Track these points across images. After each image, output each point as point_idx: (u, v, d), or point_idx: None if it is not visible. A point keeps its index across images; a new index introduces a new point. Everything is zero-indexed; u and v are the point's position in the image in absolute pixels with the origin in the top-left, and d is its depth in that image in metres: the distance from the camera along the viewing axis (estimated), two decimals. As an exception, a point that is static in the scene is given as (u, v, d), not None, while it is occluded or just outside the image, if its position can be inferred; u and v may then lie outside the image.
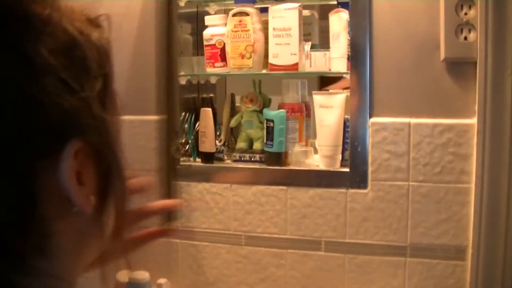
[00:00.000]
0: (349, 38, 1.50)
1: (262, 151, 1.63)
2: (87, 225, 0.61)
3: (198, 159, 1.71)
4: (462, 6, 1.38)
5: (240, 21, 1.57)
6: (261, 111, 1.64)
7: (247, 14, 1.56)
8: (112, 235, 0.66)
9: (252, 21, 1.56)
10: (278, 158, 1.60)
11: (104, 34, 0.65)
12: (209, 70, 1.67)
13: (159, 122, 1.67)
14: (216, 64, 1.64)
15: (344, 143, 1.55)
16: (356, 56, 1.48)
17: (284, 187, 1.58)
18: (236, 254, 1.65)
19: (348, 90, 1.51)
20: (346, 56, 1.51)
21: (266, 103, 1.67)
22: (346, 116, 1.54)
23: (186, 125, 1.70)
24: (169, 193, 1.64)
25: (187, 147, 1.71)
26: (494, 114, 1.36)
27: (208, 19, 1.67)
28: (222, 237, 1.66)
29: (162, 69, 1.66)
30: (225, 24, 1.61)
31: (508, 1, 1.33)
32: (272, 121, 1.57)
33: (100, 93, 0.60)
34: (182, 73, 1.71)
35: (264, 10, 1.61)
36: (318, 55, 1.59)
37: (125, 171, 0.65)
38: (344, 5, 1.54)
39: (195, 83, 1.82)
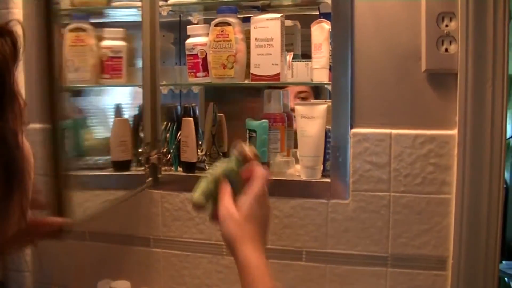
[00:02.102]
0: (331, 48, 1.50)
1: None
2: None
3: (179, 169, 1.70)
4: (443, 18, 1.39)
5: (222, 31, 1.56)
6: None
7: (229, 24, 1.55)
8: (16, 225, 0.74)
9: (234, 31, 1.55)
10: (261, 168, 1.59)
11: (5, 43, 0.70)
12: (191, 79, 1.66)
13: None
14: (198, 74, 1.64)
15: (325, 153, 1.55)
16: (337, 66, 1.48)
17: (266, 197, 1.58)
18: (217, 264, 1.65)
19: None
20: (328, 67, 1.52)
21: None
22: (327, 127, 1.54)
23: (167, 134, 1.69)
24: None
25: (168, 157, 1.70)
26: (474, 125, 1.37)
27: (190, 29, 1.67)
28: (204, 247, 1.65)
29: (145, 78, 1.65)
30: (207, 34, 1.61)
31: (488, 14, 1.34)
32: (255, 131, 1.57)
33: None
34: (164, 82, 1.70)
35: (247, 20, 1.60)
36: (300, 65, 1.59)
37: (26, 167, 0.73)
38: (326, 16, 1.54)
39: (177, 92, 1.81)
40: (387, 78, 1.46)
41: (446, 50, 1.40)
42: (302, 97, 1.53)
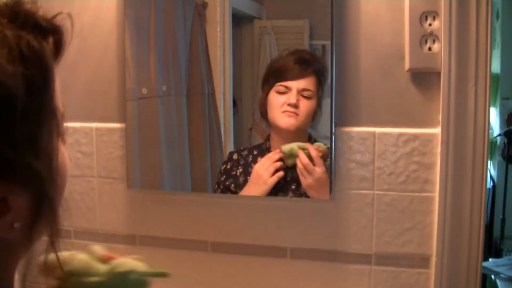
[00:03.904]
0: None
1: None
2: (8, 249, 0.61)
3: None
4: (426, 17, 1.40)
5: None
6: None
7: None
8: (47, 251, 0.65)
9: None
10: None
11: (46, 45, 0.60)
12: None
13: (124, 130, 1.67)
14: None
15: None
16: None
17: (250, 196, 1.59)
18: (202, 261, 1.65)
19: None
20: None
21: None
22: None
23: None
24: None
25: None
26: (457, 124, 1.38)
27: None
28: (188, 243, 1.65)
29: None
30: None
31: (471, 13, 1.35)
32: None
33: (35, 114, 0.57)
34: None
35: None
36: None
37: (57, 191, 0.64)
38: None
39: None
40: (370, 77, 1.46)
41: (430, 49, 1.40)
42: (306, 96, 1.51)
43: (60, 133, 0.65)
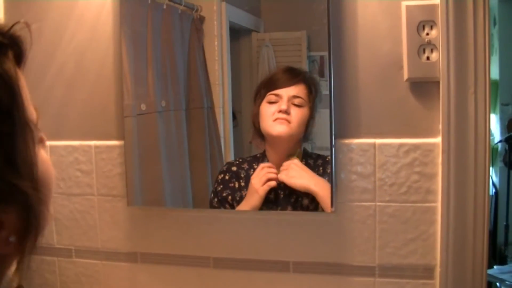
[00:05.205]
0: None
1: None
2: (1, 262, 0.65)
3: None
4: (424, 27, 1.39)
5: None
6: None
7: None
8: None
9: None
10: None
11: (7, 61, 0.61)
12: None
13: (123, 147, 1.66)
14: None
15: (311, 164, 1.55)
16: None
17: (251, 210, 1.58)
18: (205, 277, 1.63)
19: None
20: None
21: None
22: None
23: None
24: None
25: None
26: (458, 132, 1.37)
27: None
28: (190, 260, 1.64)
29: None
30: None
31: (468, 21, 1.34)
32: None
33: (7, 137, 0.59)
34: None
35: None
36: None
37: (43, 200, 0.65)
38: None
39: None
40: (369, 88, 1.45)
41: (428, 58, 1.39)
42: (297, 104, 1.51)
43: (36, 141, 0.66)
